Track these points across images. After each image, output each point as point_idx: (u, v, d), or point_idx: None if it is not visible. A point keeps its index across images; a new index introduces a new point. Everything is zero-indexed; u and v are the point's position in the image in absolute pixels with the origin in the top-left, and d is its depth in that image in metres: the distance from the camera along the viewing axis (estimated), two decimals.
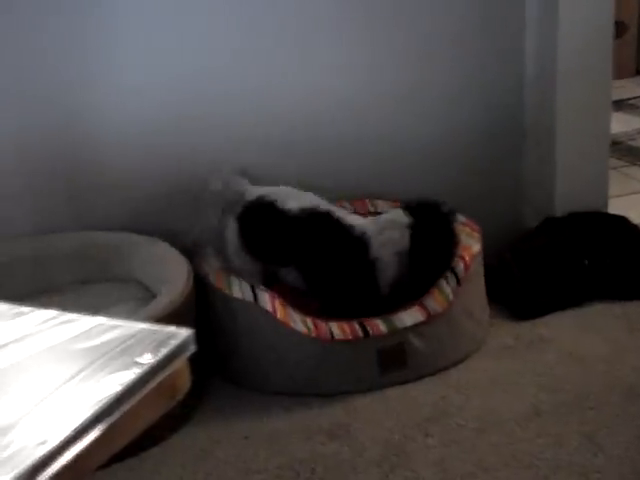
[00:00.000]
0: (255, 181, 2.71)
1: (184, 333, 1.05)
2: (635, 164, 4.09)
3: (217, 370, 2.59)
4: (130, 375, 0.98)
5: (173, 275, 2.46)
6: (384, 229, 2.53)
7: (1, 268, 2.64)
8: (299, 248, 2.56)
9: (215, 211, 2.67)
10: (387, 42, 2.91)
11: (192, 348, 1.05)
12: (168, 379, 1.02)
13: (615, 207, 3.18)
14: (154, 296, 2.48)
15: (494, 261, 2.89)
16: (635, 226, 2.96)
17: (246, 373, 2.52)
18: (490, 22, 2.97)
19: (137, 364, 1.00)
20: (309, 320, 2.44)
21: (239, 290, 2.48)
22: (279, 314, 2.43)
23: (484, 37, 2.97)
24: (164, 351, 1.02)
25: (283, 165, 2.89)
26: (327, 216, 2.55)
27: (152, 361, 1.00)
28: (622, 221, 2.97)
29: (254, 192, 2.62)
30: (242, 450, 2.27)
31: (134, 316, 2.26)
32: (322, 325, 2.43)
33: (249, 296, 2.46)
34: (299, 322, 2.43)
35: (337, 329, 2.42)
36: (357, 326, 2.43)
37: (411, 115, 3.00)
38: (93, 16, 2.64)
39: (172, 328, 1.07)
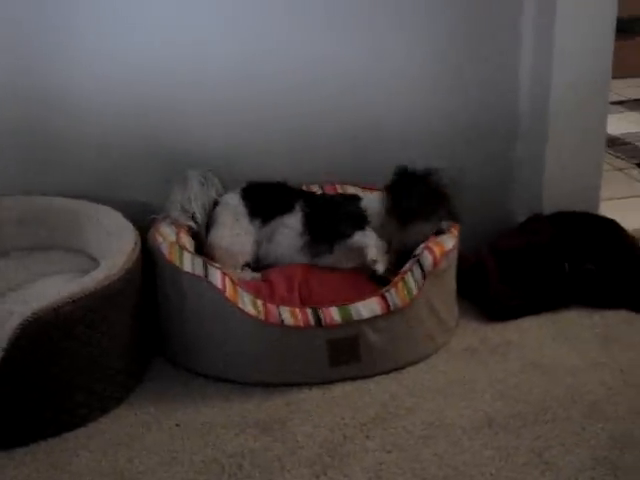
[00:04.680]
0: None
1: None
2: None
3: (160, 350, 2.46)
4: None
5: (118, 248, 2.32)
6: None
7: None
8: None
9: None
10: (392, 38, 2.81)
11: None
12: None
13: (614, 209, 3.00)
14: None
15: (472, 257, 2.72)
16: (624, 230, 2.75)
17: (189, 355, 2.38)
18: (487, 24, 2.83)
19: None
20: (260, 302, 2.29)
21: (190, 264, 2.33)
22: (228, 292, 2.28)
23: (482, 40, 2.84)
24: None
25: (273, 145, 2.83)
26: None
27: None
28: (611, 225, 2.77)
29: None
30: (170, 439, 2.13)
31: (68, 287, 2.14)
32: (273, 309, 2.28)
33: (200, 271, 2.31)
34: (249, 303, 2.28)
35: (288, 314, 2.28)
36: (310, 313, 2.29)
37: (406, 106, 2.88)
38: None
39: None
